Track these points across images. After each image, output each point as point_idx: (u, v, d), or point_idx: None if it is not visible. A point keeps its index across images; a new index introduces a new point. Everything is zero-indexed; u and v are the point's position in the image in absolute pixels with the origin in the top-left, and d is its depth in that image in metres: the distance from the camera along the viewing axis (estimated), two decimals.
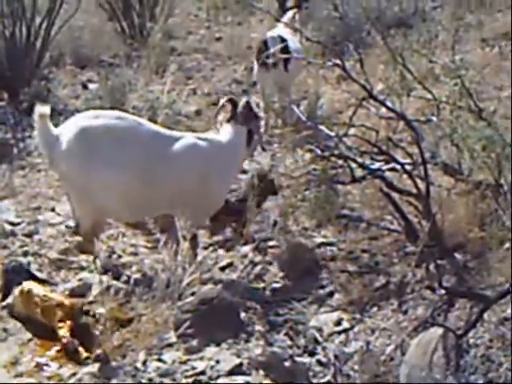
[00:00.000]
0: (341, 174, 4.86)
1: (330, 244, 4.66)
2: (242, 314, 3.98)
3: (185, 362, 3.60)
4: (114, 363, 3.59)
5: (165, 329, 3.79)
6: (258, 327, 3.92)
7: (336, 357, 3.67)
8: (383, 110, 4.83)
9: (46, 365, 3.67)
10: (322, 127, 4.98)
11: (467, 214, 4.14)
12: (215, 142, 4.52)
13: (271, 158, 5.99)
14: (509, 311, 3.45)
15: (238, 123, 4.59)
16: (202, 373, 3.52)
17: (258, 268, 4.54)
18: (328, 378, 3.58)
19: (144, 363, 3.60)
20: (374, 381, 3.49)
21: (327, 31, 8.96)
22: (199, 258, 4.30)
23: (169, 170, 4.36)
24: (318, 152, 4.78)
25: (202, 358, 3.62)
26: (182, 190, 4.36)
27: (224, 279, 4.39)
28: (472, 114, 4.21)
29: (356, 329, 3.88)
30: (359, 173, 4.62)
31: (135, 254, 4.84)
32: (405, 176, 4.41)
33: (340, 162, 4.72)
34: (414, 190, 4.23)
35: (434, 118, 4.65)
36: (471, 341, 3.39)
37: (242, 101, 4.65)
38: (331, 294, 4.21)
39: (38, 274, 4.44)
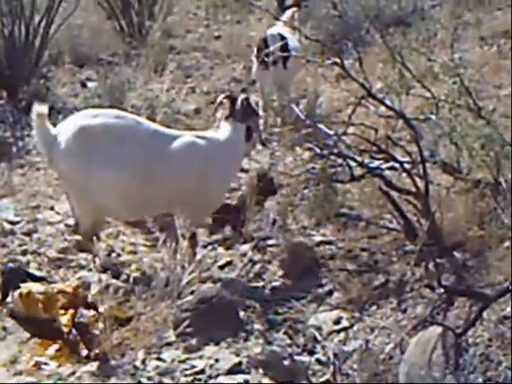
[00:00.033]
0: (340, 172, 4.85)
1: (329, 242, 4.65)
2: (241, 313, 3.98)
3: (184, 361, 3.60)
4: (113, 362, 3.59)
5: (164, 327, 3.79)
6: (257, 326, 3.92)
7: (335, 355, 3.67)
8: (382, 108, 4.82)
9: (45, 363, 3.65)
10: (321, 126, 4.97)
11: (466, 212, 4.14)
12: (214, 140, 4.50)
13: (270, 157, 5.99)
14: (508, 310, 3.45)
15: (236, 120, 4.55)
16: (202, 371, 3.52)
17: (257, 267, 4.54)
18: (327, 376, 3.57)
19: (143, 362, 3.60)
20: (373, 379, 3.48)
21: (326, 30, 8.93)
22: (198, 256, 4.32)
23: (168, 169, 4.35)
24: (317, 150, 4.78)
25: (201, 357, 3.62)
26: (181, 188, 4.35)
27: (223, 278, 4.40)
28: (471, 112, 4.21)
29: (355, 327, 3.88)
30: (358, 171, 4.62)
31: (134, 252, 4.83)
32: (404, 174, 4.41)
33: (339, 160, 4.71)
34: (413, 189, 4.23)
35: (433, 117, 4.63)
36: (470, 339, 3.39)
37: (241, 97, 4.61)
38: (330, 293, 4.21)
39: (37, 273, 4.43)
